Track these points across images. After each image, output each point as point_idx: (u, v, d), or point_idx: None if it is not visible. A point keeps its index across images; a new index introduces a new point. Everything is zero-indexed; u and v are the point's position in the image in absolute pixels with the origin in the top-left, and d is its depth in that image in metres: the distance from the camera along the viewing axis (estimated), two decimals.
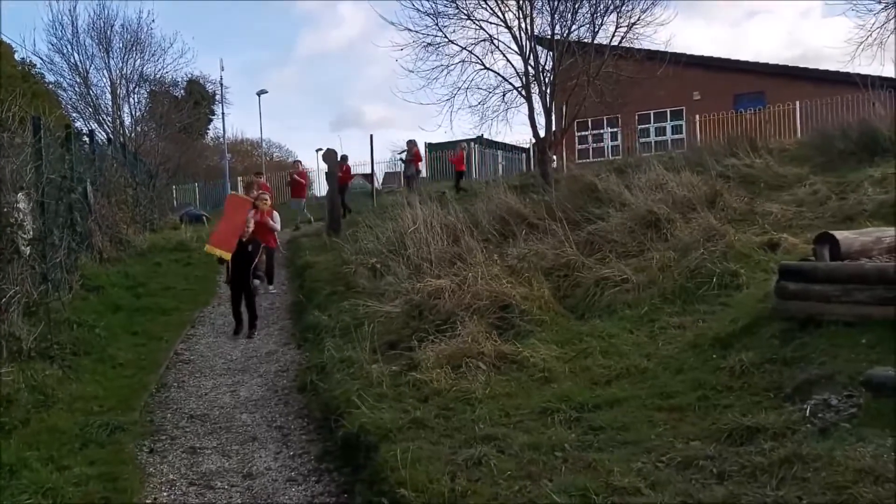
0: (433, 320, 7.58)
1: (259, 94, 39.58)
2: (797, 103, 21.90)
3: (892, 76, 16.72)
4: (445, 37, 17.70)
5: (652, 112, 26.95)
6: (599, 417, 5.28)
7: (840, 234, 5.99)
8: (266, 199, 12.04)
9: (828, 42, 55.66)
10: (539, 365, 6.39)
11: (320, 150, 22.28)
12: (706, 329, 6.55)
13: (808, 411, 4.60)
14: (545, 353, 6.61)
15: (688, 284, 7.74)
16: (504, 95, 18.14)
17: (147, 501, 5.02)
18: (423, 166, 24.97)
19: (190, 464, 5.75)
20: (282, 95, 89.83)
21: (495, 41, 17.77)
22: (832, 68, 22.81)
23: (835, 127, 14.86)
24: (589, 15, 17.28)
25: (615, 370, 6.18)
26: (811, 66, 26.23)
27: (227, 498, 5.11)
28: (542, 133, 17.66)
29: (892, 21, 14.96)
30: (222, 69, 51.25)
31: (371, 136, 23.90)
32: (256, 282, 10.42)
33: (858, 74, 17.87)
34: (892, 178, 9.96)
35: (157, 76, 27.72)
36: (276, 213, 12.30)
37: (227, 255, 9.91)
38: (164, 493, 5.20)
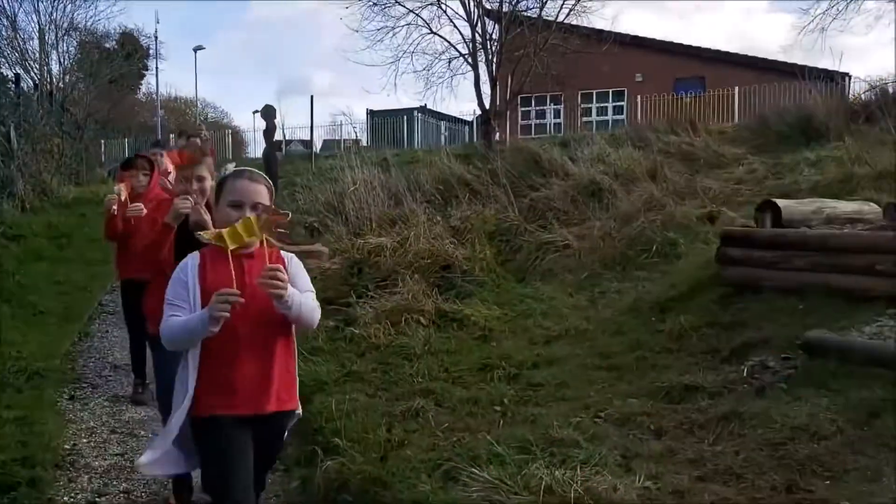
0: (373, 277, 7.45)
1: (195, 49, 38.43)
2: (735, 89, 22.31)
3: (827, 67, 17.17)
4: None
5: (595, 92, 27.11)
6: (538, 375, 5.26)
7: (782, 203, 6.08)
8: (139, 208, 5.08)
9: (770, 35, 57.32)
10: (479, 324, 6.36)
11: (257, 111, 21.74)
12: (645, 294, 6.59)
13: (745, 372, 4.64)
14: (486, 312, 6.57)
15: (628, 252, 7.79)
16: (450, 62, 18.03)
17: (66, 447, 4.78)
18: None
19: (112, 412, 5.54)
20: (228, 58, 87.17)
21: (443, 6, 17.58)
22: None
23: (772, 111, 15.16)
24: None
25: (555, 331, 6.19)
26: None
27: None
28: (486, 103, 17.57)
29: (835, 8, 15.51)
30: (157, 22, 49.58)
31: (311, 97, 23.42)
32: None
33: (796, 64, 18.35)
34: (826, 161, 10.20)
35: (89, 24, 26.62)
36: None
37: None
38: (84, 440, 4.97)
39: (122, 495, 4.21)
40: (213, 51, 76.01)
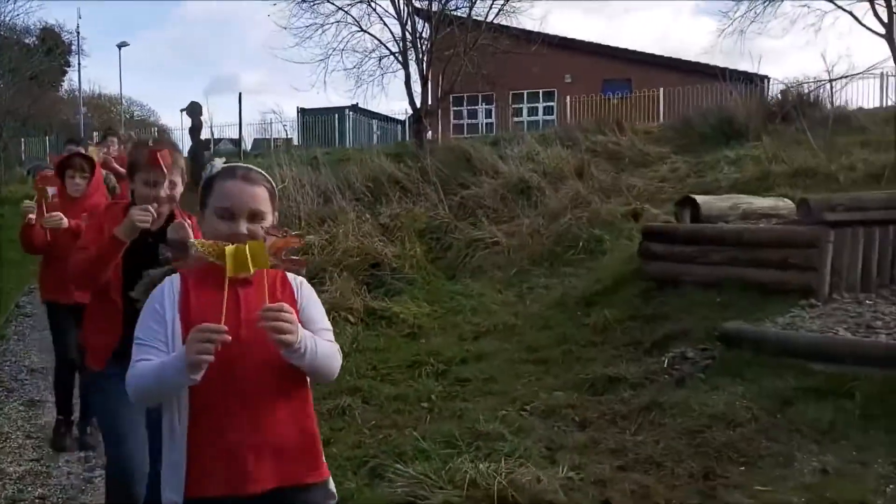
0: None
1: (119, 46, 37.40)
2: (661, 90, 22.86)
3: (747, 69, 17.74)
4: None
5: (525, 92, 27.40)
6: (467, 370, 5.32)
7: (700, 199, 6.25)
8: (58, 218, 4.17)
9: (694, 38, 59.16)
10: (408, 321, 6.40)
11: (184, 109, 21.18)
12: (571, 289, 6.71)
13: (665, 363, 4.77)
14: (415, 310, 6.61)
15: (555, 248, 7.93)
16: (380, 60, 17.93)
17: None
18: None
19: (28, 417, 5.33)
20: (155, 55, 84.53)
21: (373, 4, 17.49)
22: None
23: (695, 112, 15.59)
24: None
25: (484, 327, 6.27)
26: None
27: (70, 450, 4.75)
28: (418, 102, 17.57)
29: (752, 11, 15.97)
30: (79, 17, 47.89)
31: (239, 94, 22.92)
32: None
33: (718, 66, 18.93)
34: (745, 159, 10.55)
35: (7, 19, 25.62)
36: None
37: None
38: None
39: (37, 501, 4.05)
40: (139, 48, 73.93)
